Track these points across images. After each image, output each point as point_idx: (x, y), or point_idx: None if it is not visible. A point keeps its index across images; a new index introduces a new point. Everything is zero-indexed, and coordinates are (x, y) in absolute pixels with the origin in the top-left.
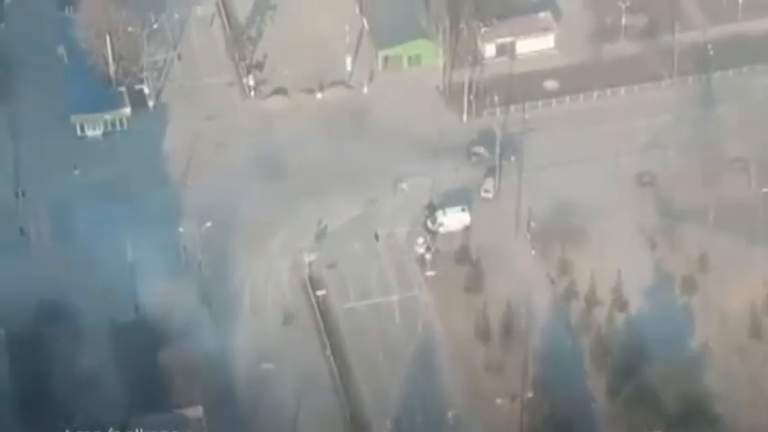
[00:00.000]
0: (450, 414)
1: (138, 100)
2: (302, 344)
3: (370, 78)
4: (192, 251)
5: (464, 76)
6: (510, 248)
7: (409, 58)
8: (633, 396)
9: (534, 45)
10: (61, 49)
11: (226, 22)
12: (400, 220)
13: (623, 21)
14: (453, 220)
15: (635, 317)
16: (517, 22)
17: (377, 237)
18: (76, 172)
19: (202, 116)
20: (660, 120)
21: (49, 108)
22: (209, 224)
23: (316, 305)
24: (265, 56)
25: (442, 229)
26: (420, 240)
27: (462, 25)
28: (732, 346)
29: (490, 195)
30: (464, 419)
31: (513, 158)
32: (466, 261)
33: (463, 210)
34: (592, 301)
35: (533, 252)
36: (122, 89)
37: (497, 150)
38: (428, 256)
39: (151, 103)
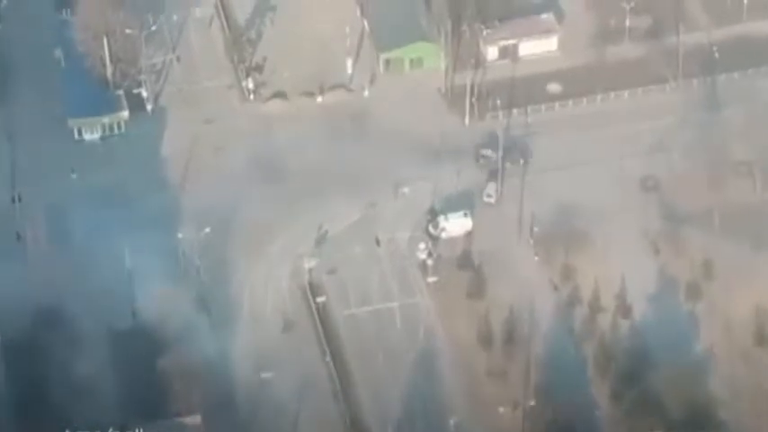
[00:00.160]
0: (451, 421)
1: (136, 103)
2: (302, 351)
3: (371, 81)
4: (190, 256)
5: (466, 78)
6: (512, 254)
7: (411, 61)
8: (637, 402)
9: (537, 47)
10: (58, 52)
11: (225, 23)
12: (401, 224)
13: (627, 22)
14: (455, 225)
15: (639, 323)
16: (519, 24)
17: (378, 242)
18: (74, 176)
19: (201, 119)
20: (664, 123)
21: (47, 111)
22: (207, 230)
23: (316, 312)
24: (265, 58)
25: (443, 235)
26: (422, 246)
27: (464, 27)
28: (737, 352)
29: (492, 200)
30: (466, 426)
31: (522, 161)
32: (468, 266)
33: (465, 215)
34: (595, 307)
35: (536, 257)
36: (120, 92)
37: (500, 154)
38: (430, 262)
39: (149, 107)
